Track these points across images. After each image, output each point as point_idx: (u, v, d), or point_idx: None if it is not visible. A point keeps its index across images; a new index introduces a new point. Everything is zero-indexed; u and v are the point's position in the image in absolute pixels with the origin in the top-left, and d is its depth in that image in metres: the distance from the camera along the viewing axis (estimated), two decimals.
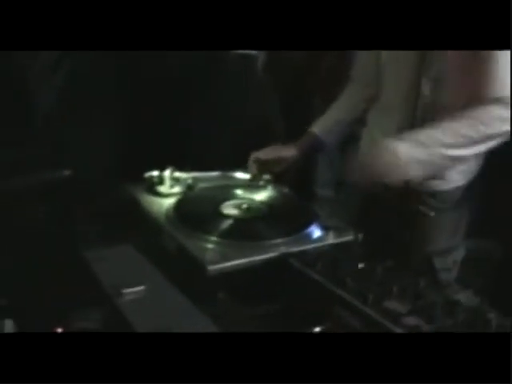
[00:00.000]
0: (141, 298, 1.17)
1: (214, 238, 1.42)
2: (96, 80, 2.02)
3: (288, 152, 1.84)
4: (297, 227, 1.48)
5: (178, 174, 1.71)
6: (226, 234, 1.45)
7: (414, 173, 1.47)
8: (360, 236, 1.48)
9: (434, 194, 1.69)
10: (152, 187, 1.68)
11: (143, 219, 1.59)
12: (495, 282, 2.29)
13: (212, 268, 1.30)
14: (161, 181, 1.69)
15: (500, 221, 2.30)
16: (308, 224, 1.50)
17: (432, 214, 1.61)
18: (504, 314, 1.43)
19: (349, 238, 1.47)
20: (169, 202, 1.63)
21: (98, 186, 1.86)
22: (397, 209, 1.64)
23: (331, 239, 1.45)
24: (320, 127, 1.87)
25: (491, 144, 1.48)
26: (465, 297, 1.89)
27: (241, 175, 1.79)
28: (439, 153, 1.46)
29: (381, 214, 1.71)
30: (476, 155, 1.57)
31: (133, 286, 1.18)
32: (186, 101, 2.19)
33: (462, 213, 1.78)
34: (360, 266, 1.32)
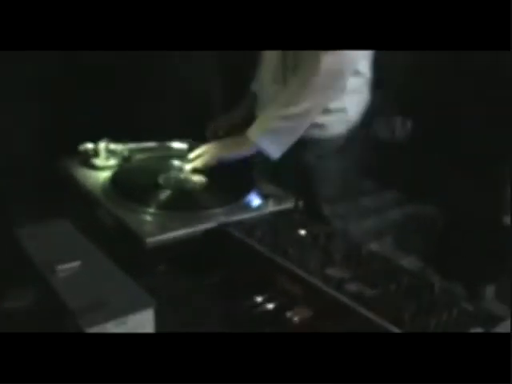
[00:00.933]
0: (76, 274, 1.13)
1: (151, 210, 1.39)
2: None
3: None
4: (235, 196, 1.46)
5: (113, 146, 1.66)
6: (164, 206, 1.42)
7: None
8: (300, 203, 1.47)
9: (318, 142, 1.76)
10: (87, 160, 1.64)
11: (79, 193, 1.54)
12: (438, 247, 2.33)
13: (150, 240, 1.27)
14: (96, 153, 1.64)
15: (440, 186, 2.33)
16: (247, 192, 1.48)
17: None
18: (447, 279, 1.45)
19: (288, 205, 1.45)
20: (105, 174, 1.58)
21: (31, 161, 1.80)
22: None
23: (271, 207, 1.43)
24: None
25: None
26: (408, 262, 1.92)
27: (178, 145, 1.75)
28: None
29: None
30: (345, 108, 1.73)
31: (68, 262, 1.14)
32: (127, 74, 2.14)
33: (347, 161, 1.84)
34: (301, 233, 1.31)
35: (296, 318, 1.14)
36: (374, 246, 1.79)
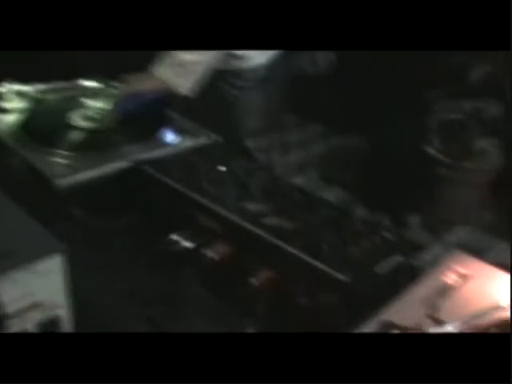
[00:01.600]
0: None
1: (62, 152, 1.32)
2: None
3: None
4: (150, 133, 1.40)
5: (19, 88, 1.57)
6: (76, 146, 1.36)
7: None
8: (220, 138, 1.42)
9: (238, 74, 1.72)
10: None
11: None
12: (363, 178, 2.33)
13: (61, 182, 1.21)
14: (1, 96, 1.54)
15: (364, 118, 2.32)
16: (162, 129, 1.42)
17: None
18: (371, 209, 1.44)
19: (206, 140, 1.41)
20: (13, 118, 1.50)
21: None
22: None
23: (187, 143, 1.39)
24: None
25: None
26: (332, 194, 1.92)
27: (89, 83, 1.67)
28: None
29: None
30: None
31: None
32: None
33: (269, 93, 1.80)
34: (219, 168, 1.27)
35: (215, 255, 1.11)
36: (297, 180, 1.78)
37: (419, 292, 0.97)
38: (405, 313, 0.91)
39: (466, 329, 0.87)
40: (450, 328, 0.86)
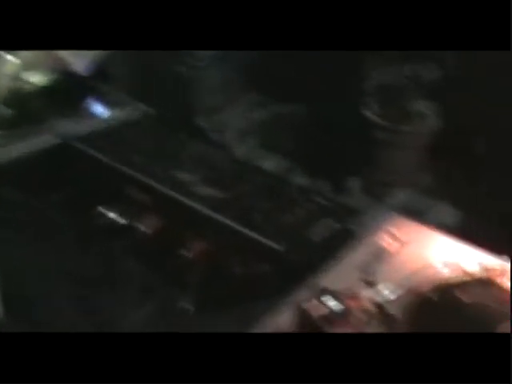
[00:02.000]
0: None
1: None
2: None
3: None
4: (78, 106, 1.35)
5: None
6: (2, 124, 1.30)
7: None
8: (148, 110, 1.38)
9: (191, 53, 1.70)
10: None
11: None
12: (303, 144, 2.31)
13: None
14: None
15: (302, 83, 2.29)
16: (87, 100, 1.37)
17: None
18: (312, 175, 1.43)
19: (135, 113, 1.36)
20: None
21: None
22: None
23: (117, 116, 1.34)
24: None
25: None
26: (273, 162, 1.89)
27: (11, 58, 1.60)
28: None
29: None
30: None
31: None
32: None
33: (222, 72, 1.80)
34: (150, 141, 1.23)
35: (147, 229, 1.09)
36: (237, 150, 1.75)
37: (354, 257, 0.96)
38: (339, 278, 0.90)
39: (400, 291, 0.86)
40: (384, 291, 0.85)
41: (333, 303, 0.81)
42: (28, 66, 1.49)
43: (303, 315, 0.81)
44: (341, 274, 0.92)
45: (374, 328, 0.82)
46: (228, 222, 1.00)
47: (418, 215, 1.37)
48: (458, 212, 1.43)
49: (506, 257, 0.98)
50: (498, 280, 0.96)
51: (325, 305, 0.81)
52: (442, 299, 0.90)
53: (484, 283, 0.95)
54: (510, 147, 1.53)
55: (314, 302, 0.81)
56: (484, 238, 1.03)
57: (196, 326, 0.94)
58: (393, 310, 0.86)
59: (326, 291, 0.85)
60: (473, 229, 1.28)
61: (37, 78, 1.44)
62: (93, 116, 1.33)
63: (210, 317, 0.96)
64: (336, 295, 0.83)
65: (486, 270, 0.96)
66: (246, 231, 0.98)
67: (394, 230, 1.04)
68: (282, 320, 0.82)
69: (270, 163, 1.77)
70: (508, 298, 0.94)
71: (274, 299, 0.89)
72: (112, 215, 1.12)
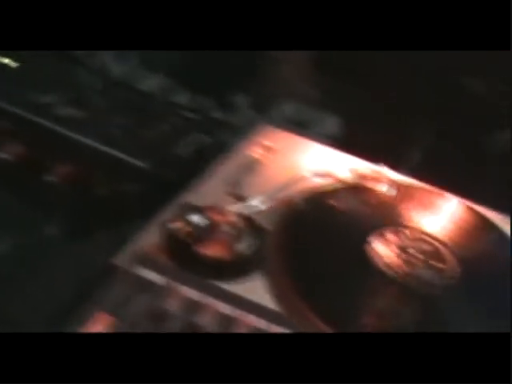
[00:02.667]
0: None
1: None
2: None
3: None
4: None
5: None
6: None
7: None
8: None
9: None
10: None
11: None
12: (187, 60, 2.23)
13: None
14: None
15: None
16: None
17: None
18: (196, 91, 1.37)
19: None
20: None
21: None
22: None
23: None
24: None
25: None
26: (156, 80, 1.82)
27: None
28: None
29: None
30: None
31: None
32: None
33: None
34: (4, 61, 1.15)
35: (9, 156, 1.02)
36: (114, 69, 1.67)
37: (224, 171, 0.93)
38: (207, 193, 0.87)
39: (271, 202, 0.84)
40: (254, 203, 0.82)
41: (199, 219, 0.78)
42: None
43: (170, 234, 0.78)
44: (209, 189, 0.89)
45: (244, 241, 0.79)
46: (90, 142, 0.94)
47: (301, 127, 1.35)
48: (341, 122, 1.42)
49: (382, 164, 0.97)
50: (371, 185, 0.95)
51: (191, 222, 0.77)
52: (314, 207, 0.89)
53: (357, 189, 0.94)
54: (393, 62, 1.52)
55: (181, 219, 0.77)
56: (363, 147, 1.02)
57: (65, 253, 0.90)
58: (263, 222, 0.84)
59: (192, 208, 0.81)
60: (353, 138, 1.27)
61: None
62: None
63: (78, 243, 0.92)
64: (203, 211, 0.79)
65: (360, 176, 0.95)
66: (109, 150, 0.93)
67: (267, 142, 1.01)
68: (149, 241, 0.78)
69: (152, 82, 1.70)
70: (381, 200, 0.94)
71: (142, 220, 0.85)
72: None
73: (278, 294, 0.73)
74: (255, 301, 0.70)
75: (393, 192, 0.94)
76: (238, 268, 0.76)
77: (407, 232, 0.87)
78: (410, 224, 0.89)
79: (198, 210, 0.78)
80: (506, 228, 0.92)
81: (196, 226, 0.77)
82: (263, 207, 0.84)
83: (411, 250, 0.84)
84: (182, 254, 0.76)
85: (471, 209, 0.95)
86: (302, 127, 1.35)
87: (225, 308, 0.66)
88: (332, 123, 1.46)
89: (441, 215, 0.93)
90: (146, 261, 0.72)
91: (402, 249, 0.84)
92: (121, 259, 0.74)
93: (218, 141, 1.01)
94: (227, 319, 0.65)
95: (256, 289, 0.74)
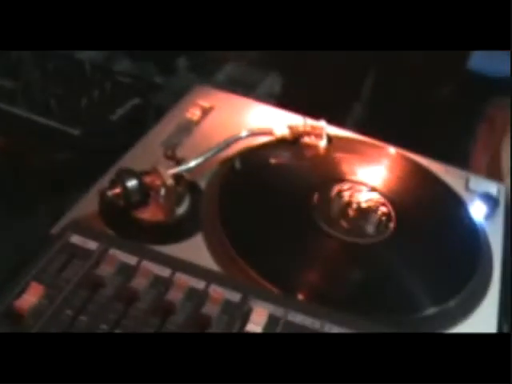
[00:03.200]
0: None
1: None
2: None
3: None
4: None
5: None
6: None
7: None
8: None
9: None
10: None
11: None
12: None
13: None
14: None
15: None
16: None
17: None
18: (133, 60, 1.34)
19: None
20: None
21: None
22: None
23: None
24: None
25: None
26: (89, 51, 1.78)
27: None
28: None
29: None
30: None
31: None
32: None
33: None
34: None
35: None
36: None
37: (159, 133, 0.92)
38: (143, 157, 0.85)
39: (205, 161, 0.83)
40: (188, 163, 0.81)
41: (136, 184, 0.76)
42: None
43: (107, 201, 0.76)
44: (146, 153, 0.88)
45: (183, 204, 0.79)
46: (21, 111, 0.91)
47: (243, 87, 1.34)
48: (284, 81, 1.41)
49: (322, 120, 0.97)
50: (310, 141, 0.95)
51: (128, 188, 0.75)
52: (251, 165, 0.89)
53: (295, 146, 0.94)
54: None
55: (117, 186, 0.76)
56: (303, 104, 1.02)
57: (3, 227, 0.87)
58: (201, 183, 0.83)
59: (129, 173, 0.80)
60: (293, 96, 1.26)
61: None
62: None
63: (16, 216, 0.89)
64: (139, 176, 0.78)
65: (299, 132, 0.95)
66: (43, 120, 0.91)
67: (204, 103, 1.00)
68: (87, 209, 0.77)
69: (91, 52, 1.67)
70: (320, 156, 0.94)
71: (80, 189, 0.83)
72: None
73: (218, 254, 0.73)
74: (195, 262, 0.69)
75: (330, 146, 0.95)
76: (177, 230, 0.76)
77: (346, 185, 0.88)
78: (348, 177, 0.89)
79: (135, 174, 0.77)
80: (445, 176, 0.93)
81: (133, 191, 0.76)
82: (199, 168, 0.83)
83: (351, 203, 0.84)
84: (120, 221, 0.75)
85: (408, 158, 0.96)
86: (244, 88, 1.34)
87: (161, 270, 0.65)
88: (273, 82, 1.46)
89: (379, 167, 0.94)
90: (83, 229, 0.71)
91: (342, 202, 0.84)
92: (57, 229, 0.73)
93: (155, 104, 1.00)
94: (163, 281, 0.64)
95: (196, 250, 0.73)
